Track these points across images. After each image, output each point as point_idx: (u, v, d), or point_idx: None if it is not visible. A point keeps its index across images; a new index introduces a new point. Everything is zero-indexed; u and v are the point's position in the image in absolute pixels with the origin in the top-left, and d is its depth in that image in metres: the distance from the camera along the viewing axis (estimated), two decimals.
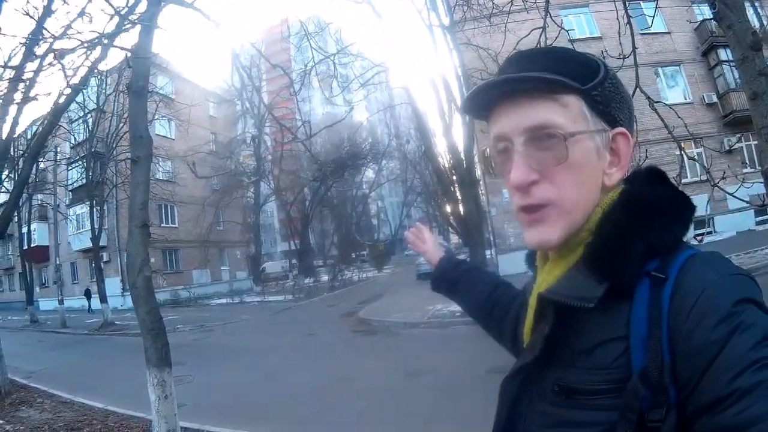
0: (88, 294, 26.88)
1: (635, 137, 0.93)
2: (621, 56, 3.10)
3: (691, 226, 0.86)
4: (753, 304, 0.71)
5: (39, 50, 6.26)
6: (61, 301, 23.29)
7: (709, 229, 19.03)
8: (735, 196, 2.83)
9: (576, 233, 0.87)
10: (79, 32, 5.87)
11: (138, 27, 4.99)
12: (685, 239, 0.85)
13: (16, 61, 6.82)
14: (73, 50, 4.55)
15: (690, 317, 0.72)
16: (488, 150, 0.94)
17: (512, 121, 0.86)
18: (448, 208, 19.35)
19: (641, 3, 8.53)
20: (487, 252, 14.85)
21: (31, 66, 6.77)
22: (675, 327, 0.73)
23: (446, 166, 16.60)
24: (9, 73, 6.75)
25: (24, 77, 6.21)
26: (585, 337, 0.82)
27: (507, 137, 0.88)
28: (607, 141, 0.87)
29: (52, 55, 5.36)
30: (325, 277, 35.87)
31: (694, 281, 0.75)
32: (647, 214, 0.83)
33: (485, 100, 0.90)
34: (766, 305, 0.73)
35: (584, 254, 0.85)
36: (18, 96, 7.65)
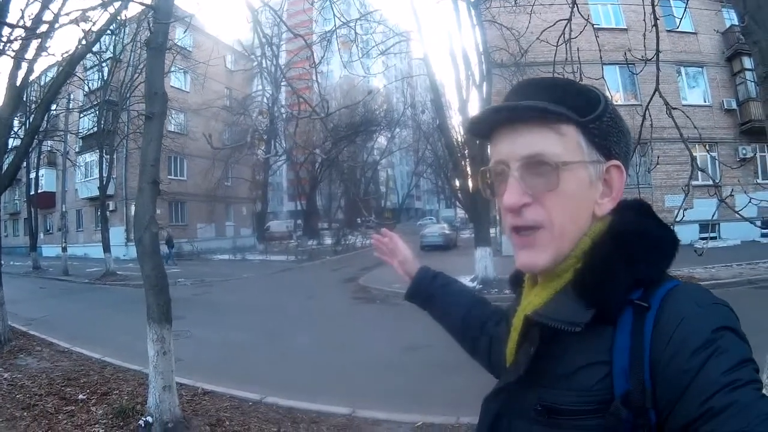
0: (170, 242, 25.62)
1: (632, 170, 0.93)
2: (644, 59, 3.07)
3: (675, 258, 0.89)
4: (730, 332, 0.74)
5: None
6: (64, 249, 23.35)
7: (714, 235, 18.91)
8: (744, 217, 2.82)
9: (564, 259, 0.89)
10: None
11: None
12: (668, 271, 0.88)
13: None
14: (94, 8, 4.49)
15: (670, 345, 0.75)
16: (488, 171, 0.96)
17: (510, 147, 0.90)
18: (458, 183, 19.26)
19: (671, 1, 8.36)
20: (492, 230, 14.81)
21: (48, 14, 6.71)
22: (656, 354, 0.76)
23: (459, 141, 16.48)
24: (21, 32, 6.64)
25: (39, 31, 6.11)
26: (569, 359, 0.85)
27: (504, 161, 0.91)
28: (600, 172, 0.90)
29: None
30: (328, 240, 35.99)
31: (675, 311, 0.77)
32: (633, 248, 0.85)
33: (488, 124, 0.94)
34: (743, 333, 0.76)
35: (573, 280, 0.88)
36: (31, 53, 7.61)
